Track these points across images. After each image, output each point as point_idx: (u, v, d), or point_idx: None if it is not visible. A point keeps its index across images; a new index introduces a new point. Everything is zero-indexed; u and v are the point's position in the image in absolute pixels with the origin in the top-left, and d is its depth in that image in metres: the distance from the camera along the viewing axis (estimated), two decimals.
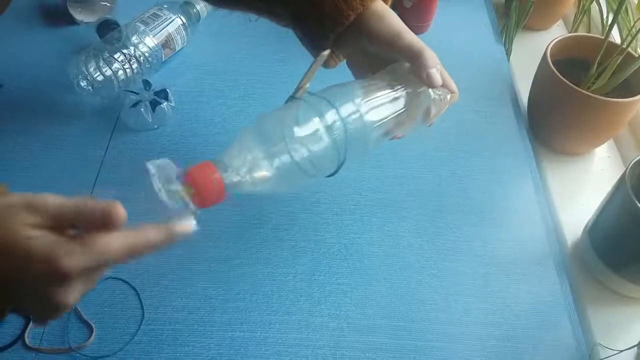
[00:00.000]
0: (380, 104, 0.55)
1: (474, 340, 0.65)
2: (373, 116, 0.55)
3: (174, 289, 0.67)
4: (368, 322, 0.65)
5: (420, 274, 0.69)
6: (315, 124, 0.52)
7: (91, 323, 0.63)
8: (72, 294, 0.40)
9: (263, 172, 0.49)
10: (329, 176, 0.55)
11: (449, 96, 0.59)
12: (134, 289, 0.66)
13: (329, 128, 0.51)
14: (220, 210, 0.73)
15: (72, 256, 0.38)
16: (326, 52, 0.57)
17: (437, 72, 0.56)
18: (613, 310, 0.70)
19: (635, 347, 0.63)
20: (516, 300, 0.68)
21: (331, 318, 0.65)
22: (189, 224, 0.44)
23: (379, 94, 0.56)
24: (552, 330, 0.66)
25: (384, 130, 0.56)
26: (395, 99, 0.56)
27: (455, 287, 0.69)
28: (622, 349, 0.64)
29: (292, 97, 0.55)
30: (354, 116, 0.53)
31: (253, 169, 0.49)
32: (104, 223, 0.40)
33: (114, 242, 0.40)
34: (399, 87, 0.57)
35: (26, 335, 0.62)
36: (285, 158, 0.50)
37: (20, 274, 0.39)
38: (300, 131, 0.51)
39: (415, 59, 0.56)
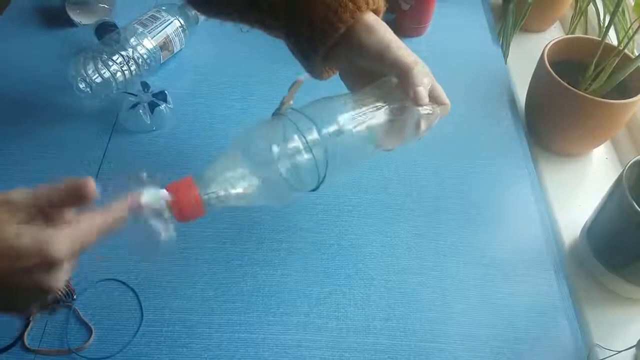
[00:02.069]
0: (366, 120, 0.55)
1: (472, 341, 0.65)
2: (357, 133, 0.54)
3: (173, 290, 0.67)
4: (367, 323, 0.65)
5: (419, 275, 0.70)
6: (296, 141, 0.52)
7: (90, 325, 0.63)
8: (62, 276, 0.42)
9: (244, 189, 0.50)
10: (311, 191, 0.56)
11: (438, 109, 0.59)
12: (133, 290, 0.66)
13: (308, 146, 0.52)
14: (218, 212, 0.73)
15: (60, 243, 0.40)
16: (301, 78, 0.58)
17: (424, 90, 0.55)
18: (611, 311, 0.70)
19: (634, 348, 0.64)
20: (514, 301, 0.68)
21: (330, 319, 0.65)
22: (144, 196, 0.46)
23: (365, 109, 0.55)
24: (550, 331, 0.66)
25: (370, 145, 0.57)
26: (382, 114, 0.56)
27: (453, 288, 0.69)
28: (621, 350, 0.64)
29: (276, 112, 0.55)
30: (336, 133, 0.53)
31: (234, 185, 0.50)
32: (78, 198, 0.42)
33: (90, 223, 0.42)
34: (386, 102, 0.57)
35: (25, 336, 0.62)
36: (266, 174, 0.51)
37: (11, 273, 0.40)
38: (280, 148, 0.51)
39: (402, 75, 0.55)
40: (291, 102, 0.55)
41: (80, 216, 0.42)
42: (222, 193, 0.49)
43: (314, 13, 0.57)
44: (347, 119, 0.54)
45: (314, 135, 0.52)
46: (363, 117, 0.55)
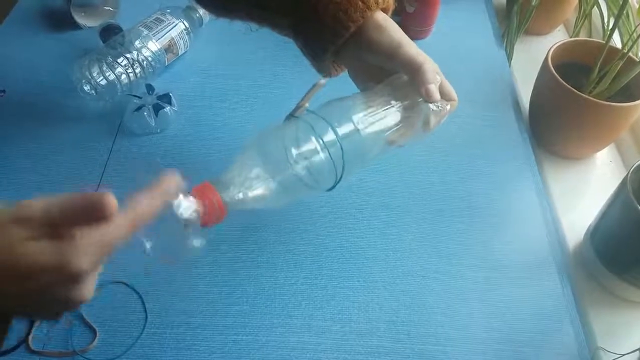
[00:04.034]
0: (379, 119, 0.56)
1: (476, 344, 0.65)
2: (371, 132, 0.55)
3: (177, 292, 0.67)
4: (370, 326, 0.65)
5: (423, 278, 0.69)
6: (313, 143, 0.52)
7: (95, 327, 0.63)
8: (88, 288, 0.41)
9: (262, 191, 0.50)
10: (328, 190, 0.56)
11: (448, 106, 0.59)
12: (137, 293, 0.66)
13: (325, 147, 0.52)
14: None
15: (80, 256, 0.38)
16: (323, 81, 0.57)
17: (435, 87, 0.56)
18: (615, 314, 0.70)
19: (638, 351, 0.63)
20: (518, 304, 0.68)
21: (333, 321, 0.65)
22: (173, 181, 0.43)
23: (378, 109, 0.56)
24: (554, 334, 0.66)
25: (383, 143, 0.57)
26: (394, 112, 0.57)
27: (457, 291, 0.69)
28: (624, 353, 0.64)
29: (291, 115, 0.55)
30: (351, 134, 0.54)
31: (252, 188, 0.50)
32: (97, 216, 0.39)
33: (115, 229, 0.40)
34: (398, 100, 0.57)
35: (30, 338, 0.62)
36: (284, 176, 0.51)
37: (33, 292, 0.39)
38: (298, 150, 0.52)
39: (414, 73, 0.56)
40: (307, 104, 0.56)
41: (100, 225, 0.39)
42: (240, 196, 0.49)
43: (323, 12, 0.57)
44: (361, 119, 0.55)
45: (330, 137, 0.53)
46: (377, 116, 0.56)
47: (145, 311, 0.65)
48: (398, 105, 0.57)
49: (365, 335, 0.65)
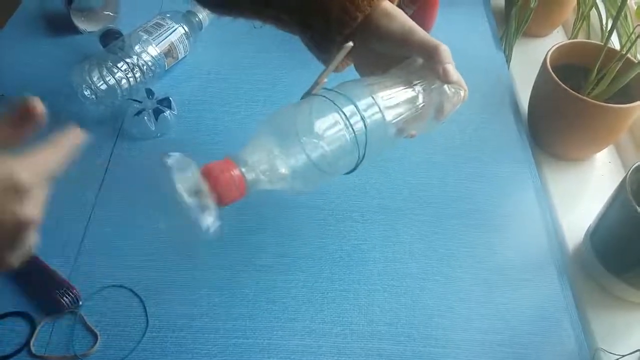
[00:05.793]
0: (397, 101, 0.55)
1: (476, 346, 0.65)
2: (391, 112, 0.54)
3: (178, 296, 0.67)
4: (371, 328, 0.65)
5: (423, 280, 0.70)
6: (334, 119, 0.51)
7: (96, 331, 0.63)
8: (35, 204, 0.41)
9: (281, 169, 0.49)
10: (347, 173, 0.55)
11: (462, 92, 0.59)
12: (138, 296, 0.67)
13: (347, 124, 0.51)
14: (222, 216, 0.73)
15: (22, 168, 0.40)
16: (349, 44, 0.56)
17: (452, 67, 0.56)
18: (615, 315, 0.70)
19: (638, 352, 0.64)
20: (518, 306, 0.68)
21: (334, 324, 0.66)
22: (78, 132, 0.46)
23: (396, 90, 0.56)
24: (554, 336, 0.66)
25: (400, 127, 0.56)
26: (412, 95, 0.56)
27: (457, 293, 0.69)
28: (624, 354, 0.64)
29: (308, 93, 0.55)
30: (372, 112, 0.53)
31: (271, 166, 0.49)
32: (25, 116, 0.43)
33: (49, 148, 0.44)
34: (415, 83, 0.57)
35: (32, 343, 0.62)
36: (303, 155, 0.50)
37: None
38: (318, 127, 0.50)
39: (430, 54, 0.56)
40: (325, 81, 0.55)
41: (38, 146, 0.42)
42: (259, 174, 0.48)
43: (330, 4, 0.57)
44: (381, 99, 0.54)
45: (352, 113, 0.51)
46: (396, 98, 0.55)
47: (146, 315, 0.65)
48: (416, 87, 0.56)
49: (365, 338, 0.65)
